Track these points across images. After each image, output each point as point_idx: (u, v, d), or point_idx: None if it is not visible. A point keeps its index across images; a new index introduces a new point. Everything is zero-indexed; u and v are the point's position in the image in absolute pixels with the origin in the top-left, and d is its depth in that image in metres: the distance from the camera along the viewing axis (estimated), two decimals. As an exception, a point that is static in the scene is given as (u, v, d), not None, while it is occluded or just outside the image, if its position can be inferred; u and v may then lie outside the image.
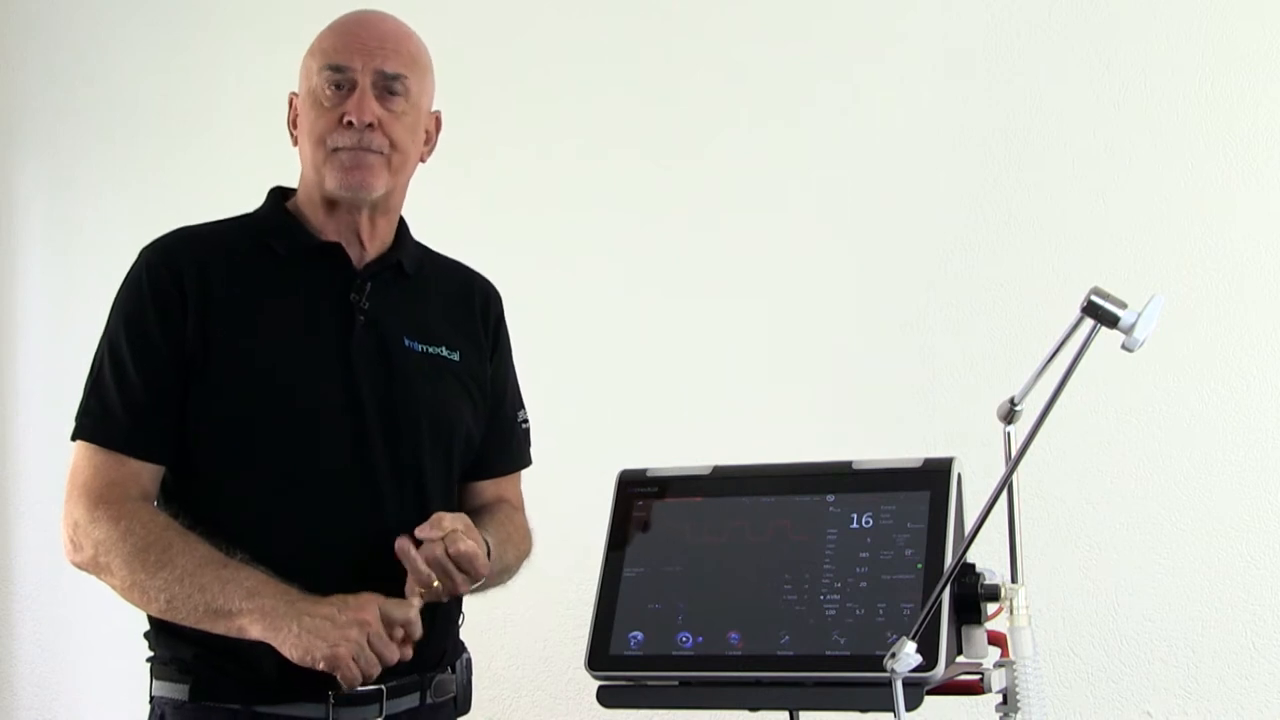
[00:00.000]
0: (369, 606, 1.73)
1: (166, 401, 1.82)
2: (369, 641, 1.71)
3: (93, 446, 1.82)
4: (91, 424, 1.83)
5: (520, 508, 2.08)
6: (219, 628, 1.73)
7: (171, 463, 1.84)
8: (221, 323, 1.83)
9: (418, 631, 1.76)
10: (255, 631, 1.71)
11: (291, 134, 1.96)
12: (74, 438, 1.84)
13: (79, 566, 1.82)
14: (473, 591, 1.87)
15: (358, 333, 1.87)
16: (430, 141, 1.98)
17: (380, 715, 1.81)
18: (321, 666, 1.70)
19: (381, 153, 1.86)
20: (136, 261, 1.89)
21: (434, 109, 1.98)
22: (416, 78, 1.92)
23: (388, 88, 1.88)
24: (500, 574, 1.92)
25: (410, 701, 1.86)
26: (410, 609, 1.76)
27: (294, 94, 1.95)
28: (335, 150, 1.86)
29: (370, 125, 1.85)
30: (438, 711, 1.90)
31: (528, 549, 2.03)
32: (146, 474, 1.82)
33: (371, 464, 1.85)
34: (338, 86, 1.87)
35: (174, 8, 3.67)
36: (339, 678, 1.71)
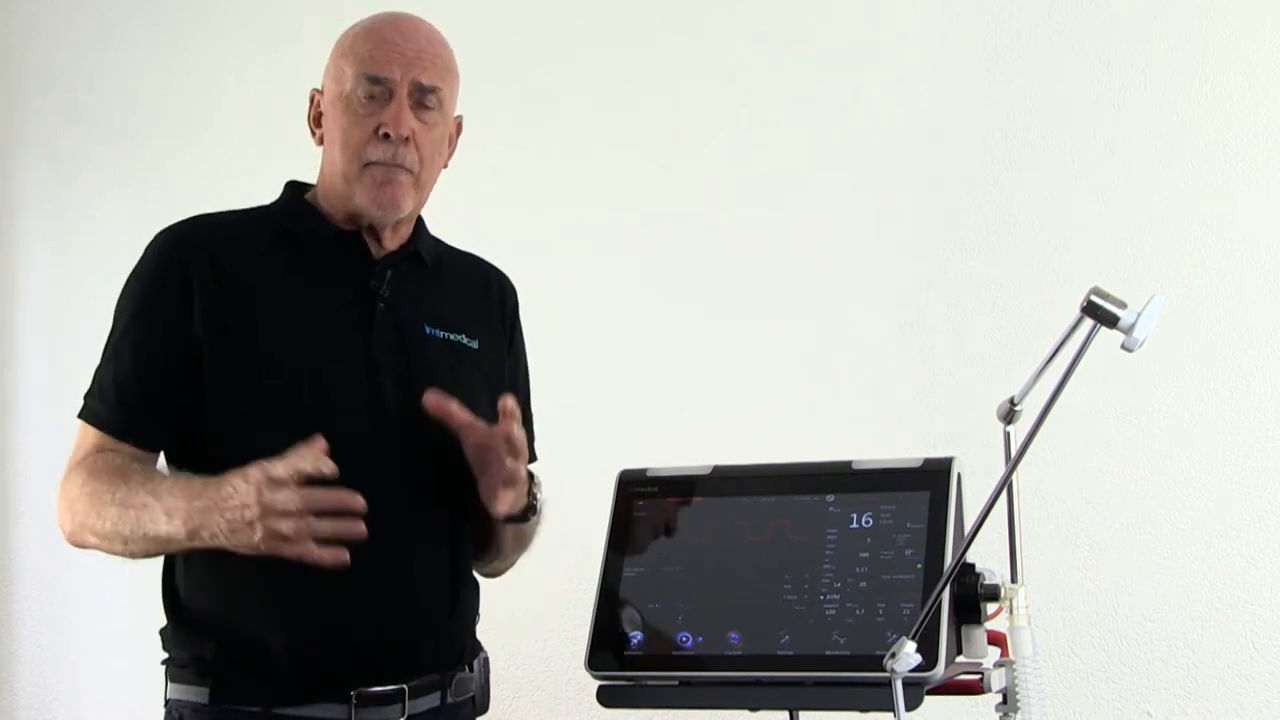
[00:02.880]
0: (250, 474, 1.66)
1: (164, 389, 1.82)
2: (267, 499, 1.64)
3: (87, 425, 1.85)
4: (89, 405, 1.86)
5: None
6: (171, 551, 1.76)
7: (170, 449, 1.85)
8: (236, 310, 1.83)
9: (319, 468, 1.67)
10: (187, 541, 1.70)
11: (313, 130, 1.95)
12: (77, 416, 1.87)
13: (70, 542, 1.82)
14: (489, 568, 1.92)
15: (378, 319, 1.87)
16: (452, 145, 1.98)
17: (403, 715, 1.81)
18: (258, 542, 1.65)
19: (412, 171, 1.86)
20: (149, 246, 1.89)
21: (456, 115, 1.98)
22: (449, 88, 1.92)
23: (423, 101, 1.87)
24: (517, 550, 1.96)
25: (431, 701, 1.85)
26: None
27: (316, 91, 1.94)
28: (368, 165, 1.85)
29: (405, 139, 1.84)
30: (458, 711, 1.89)
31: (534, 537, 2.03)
32: (131, 457, 1.82)
33: (390, 457, 1.84)
34: (372, 96, 1.85)
35: (174, 8, 3.67)
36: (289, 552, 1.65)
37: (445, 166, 1.97)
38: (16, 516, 3.73)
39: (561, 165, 3.20)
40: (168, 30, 3.66)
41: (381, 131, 1.84)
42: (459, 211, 3.00)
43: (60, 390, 3.67)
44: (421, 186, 1.90)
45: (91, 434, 1.84)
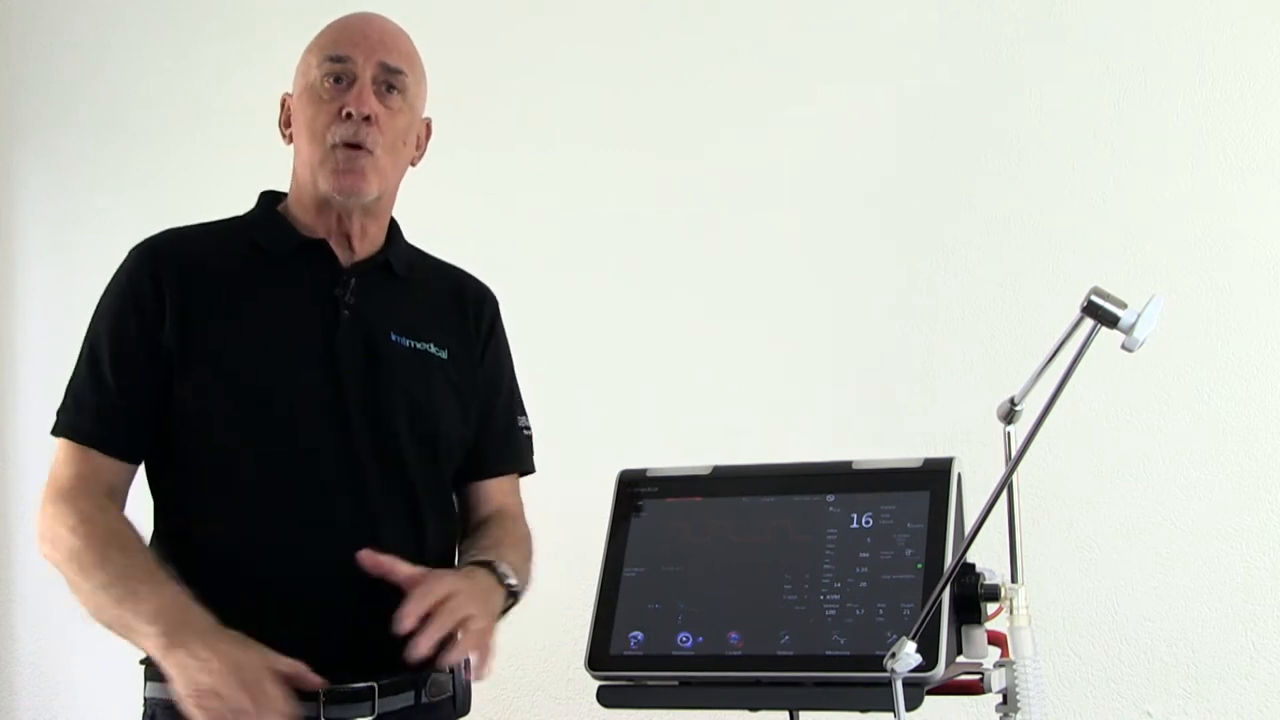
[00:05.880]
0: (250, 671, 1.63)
1: (139, 400, 1.83)
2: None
3: (66, 441, 1.85)
4: (65, 419, 1.86)
5: (519, 516, 2.05)
6: (132, 642, 1.73)
7: (147, 461, 1.86)
8: (204, 322, 1.83)
9: None
10: (153, 654, 1.69)
11: (283, 133, 1.97)
12: (51, 433, 1.87)
13: (46, 559, 1.83)
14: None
15: (342, 328, 1.87)
16: (421, 147, 1.99)
17: (372, 714, 1.80)
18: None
19: (373, 153, 1.87)
20: (123, 261, 1.90)
21: (425, 115, 2.00)
22: (414, 77, 1.93)
23: (388, 83, 1.89)
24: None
25: (404, 700, 1.85)
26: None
27: (286, 95, 1.96)
28: (333, 147, 1.86)
29: (368, 119, 1.85)
30: (433, 711, 1.89)
31: (526, 553, 2.00)
32: (113, 470, 1.83)
33: (356, 462, 1.84)
34: (337, 80, 1.87)
35: (174, 8, 3.67)
36: None
37: (414, 165, 1.98)
38: (16, 517, 3.73)
39: (561, 164, 3.21)
40: (168, 30, 3.67)
41: (345, 112, 1.85)
42: (457, 210, 3.01)
43: (60, 391, 3.68)
44: (385, 174, 1.89)
45: (72, 451, 1.84)
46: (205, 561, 1.80)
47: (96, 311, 1.89)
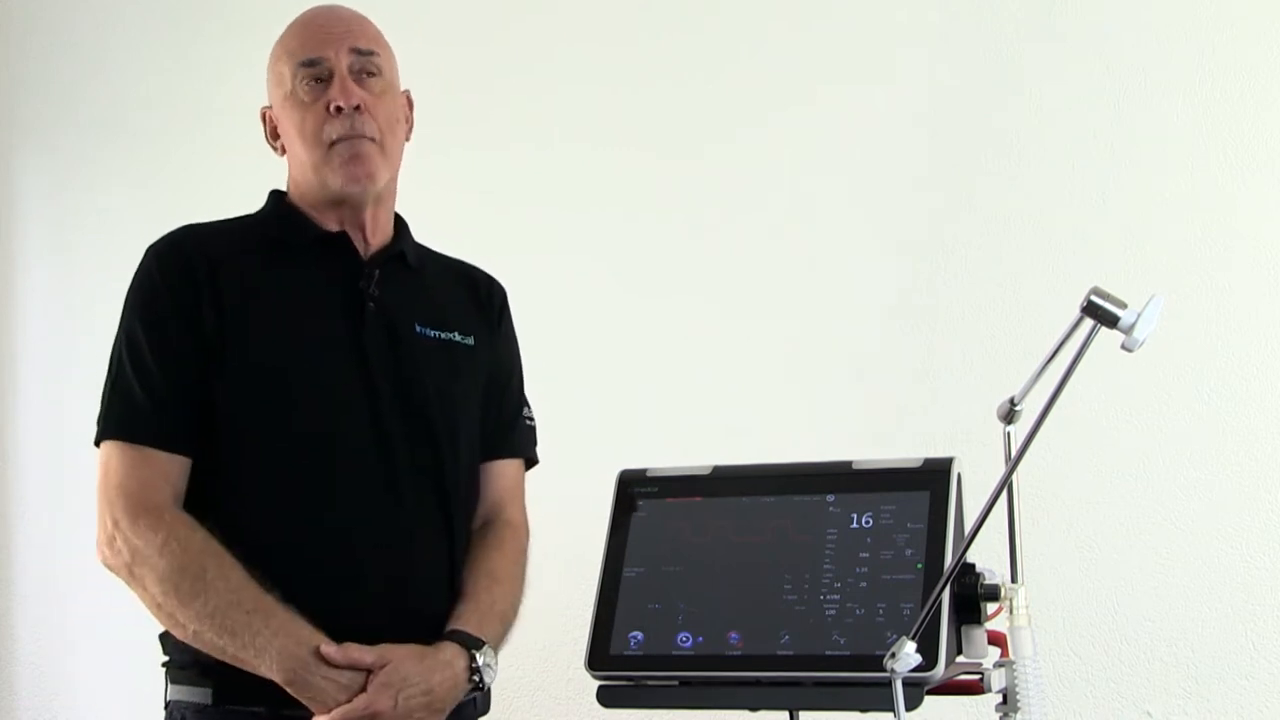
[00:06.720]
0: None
1: (189, 393, 1.81)
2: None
3: (121, 445, 1.80)
4: (117, 422, 1.81)
5: (518, 523, 2.02)
6: (242, 666, 1.73)
7: (196, 456, 1.83)
8: (233, 318, 1.83)
9: None
10: (277, 680, 1.72)
11: (273, 145, 1.97)
12: (100, 440, 1.82)
13: (112, 568, 1.79)
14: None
15: (369, 321, 1.88)
16: (408, 121, 1.99)
17: None
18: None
19: (374, 139, 1.87)
20: (144, 259, 1.88)
21: (404, 89, 1.99)
22: (385, 55, 1.94)
23: (364, 68, 1.89)
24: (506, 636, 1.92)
25: None
26: None
27: (265, 108, 1.96)
28: (332, 144, 1.86)
29: (358, 108, 1.86)
30: (459, 711, 1.87)
31: (519, 589, 1.98)
32: (176, 469, 1.80)
33: (390, 460, 1.84)
34: (316, 80, 1.87)
35: (174, 8, 3.67)
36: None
37: (408, 139, 1.99)
38: (16, 517, 3.73)
39: (561, 163, 3.20)
40: (168, 30, 3.67)
41: (333, 107, 1.85)
42: (457, 209, 3.01)
43: (60, 391, 3.68)
44: (389, 156, 1.90)
45: (130, 454, 1.79)
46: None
47: (127, 311, 1.87)
